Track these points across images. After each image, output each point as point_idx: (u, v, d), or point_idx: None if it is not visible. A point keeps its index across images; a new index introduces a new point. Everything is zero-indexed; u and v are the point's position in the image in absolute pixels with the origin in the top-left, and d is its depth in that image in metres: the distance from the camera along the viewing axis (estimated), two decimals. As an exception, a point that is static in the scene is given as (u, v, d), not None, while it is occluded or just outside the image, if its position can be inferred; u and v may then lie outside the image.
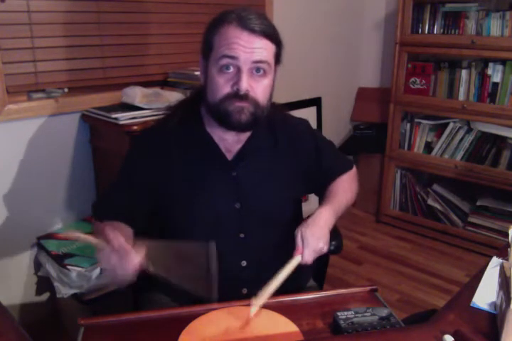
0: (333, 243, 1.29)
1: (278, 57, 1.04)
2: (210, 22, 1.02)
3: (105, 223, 1.08)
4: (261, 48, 0.97)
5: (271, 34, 0.98)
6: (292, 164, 1.14)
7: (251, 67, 0.97)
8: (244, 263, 1.10)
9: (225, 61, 0.96)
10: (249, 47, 0.95)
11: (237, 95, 0.96)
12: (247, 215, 1.09)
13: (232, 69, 0.97)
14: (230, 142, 1.09)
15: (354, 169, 1.29)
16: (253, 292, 1.08)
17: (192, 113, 1.10)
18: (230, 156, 1.09)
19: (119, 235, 0.89)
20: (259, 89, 0.99)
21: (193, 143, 1.08)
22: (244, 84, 0.96)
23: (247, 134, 1.09)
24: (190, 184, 1.07)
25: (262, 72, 0.98)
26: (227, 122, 1.00)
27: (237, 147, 1.09)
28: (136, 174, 1.10)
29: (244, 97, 0.97)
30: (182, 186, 1.08)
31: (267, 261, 1.10)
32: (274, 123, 1.14)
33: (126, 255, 0.86)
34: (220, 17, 1.00)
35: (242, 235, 1.09)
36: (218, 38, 0.98)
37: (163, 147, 1.09)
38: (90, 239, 0.91)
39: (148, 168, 1.09)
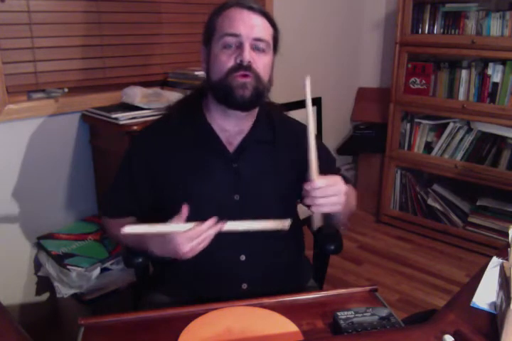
0: (333, 243, 1.30)
1: (275, 44, 1.08)
2: (212, 11, 1.08)
3: (123, 222, 1.12)
4: (260, 25, 1.02)
5: (268, 14, 1.05)
6: (289, 161, 1.15)
7: (252, 43, 1.01)
8: (243, 257, 1.10)
9: (227, 39, 1.01)
10: (249, 24, 1.01)
11: (240, 66, 1.00)
12: (246, 207, 1.10)
13: (234, 46, 1.01)
14: (231, 133, 1.10)
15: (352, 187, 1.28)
16: (253, 287, 1.08)
17: (193, 108, 1.12)
18: (231, 148, 1.11)
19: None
20: (260, 63, 1.03)
21: (194, 135, 1.10)
22: (247, 55, 1.00)
23: (247, 126, 1.11)
24: (191, 175, 1.09)
25: (261, 49, 1.03)
26: (231, 98, 1.02)
27: (238, 139, 1.11)
28: (138, 171, 1.12)
29: (248, 68, 1.00)
30: (183, 178, 1.09)
31: (267, 256, 1.11)
32: (274, 121, 1.16)
33: (207, 223, 0.93)
34: (220, 5, 1.06)
35: None
36: (220, 20, 1.04)
37: (164, 142, 1.11)
38: (161, 226, 0.93)
39: (148, 164, 1.10)
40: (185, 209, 0.93)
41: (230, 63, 1.01)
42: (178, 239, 0.92)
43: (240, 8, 1.02)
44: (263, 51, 1.03)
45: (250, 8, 1.02)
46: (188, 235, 0.92)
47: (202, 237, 0.93)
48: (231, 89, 1.00)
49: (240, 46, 1.00)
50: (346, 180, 1.29)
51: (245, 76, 1.00)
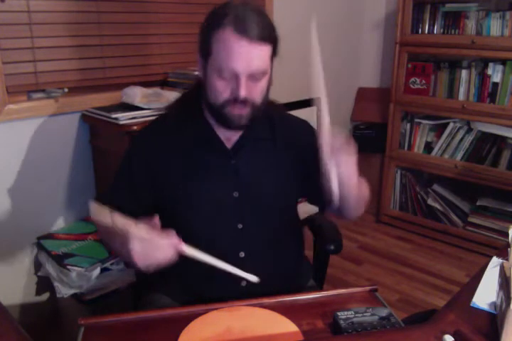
0: (333, 243, 1.30)
1: (274, 53, 1.04)
2: (208, 19, 1.01)
3: None
4: (258, 56, 0.97)
5: (268, 36, 0.98)
6: (290, 160, 1.15)
7: (249, 74, 0.98)
8: (242, 254, 1.10)
9: (223, 71, 0.98)
10: (248, 57, 0.96)
11: (236, 100, 0.99)
12: (245, 204, 1.10)
13: (230, 76, 0.98)
14: (229, 131, 1.10)
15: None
16: (252, 284, 1.08)
17: (192, 104, 1.12)
18: (229, 145, 1.11)
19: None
20: (257, 91, 1.01)
21: (192, 132, 1.10)
22: (243, 91, 0.98)
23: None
24: (189, 172, 1.09)
25: (259, 76, 1.00)
26: (227, 124, 1.05)
27: (237, 136, 1.11)
28: (138, 171, 1.12)
29: (243, 102, 0.99)
30: (181, 175, 1.09)
31: (266, 253, 1.11)
32: (273, 119, 1.16)
33: (166, 235, 0.88)
34: (216, 17, 0.98)
35: (240, 225, 1.10)
36: (216, 44, 0.98)
37: (164, 142, 1.11)
38: (124, 222, 0.88)
39: (148, 164, 1.10)
40: (156, 220, 0.90)
41: (226, 95, 0.99)
42: (132, 235, 0.87)
43: (238, 37, 0.94)
44: (261, 76, 1.00)
45: (249, 38, 0.94)
46: (140, 235, 0.87)
47: (153, 244, 0.88)
48: (227, 118, 1.02)
49: (236, 78, 0.97)
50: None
51: (241, 108, 1.00)
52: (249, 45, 0.95)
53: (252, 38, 0.95)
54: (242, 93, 0.98)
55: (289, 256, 1.19)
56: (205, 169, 1.09)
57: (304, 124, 1.24)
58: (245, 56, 0.96)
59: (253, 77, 0.99)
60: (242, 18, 0.95)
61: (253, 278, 0.94)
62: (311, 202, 1.23)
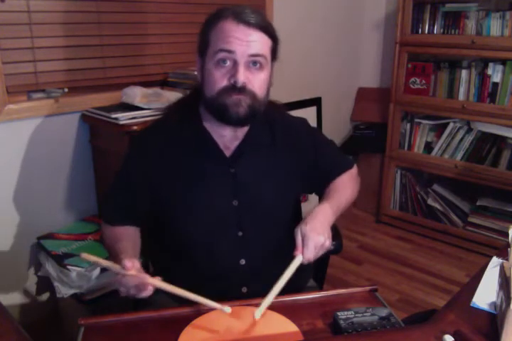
0: (333, 243, 1.29)
1: (274, 53, 1.04)
2: (206, 19, 1.03)
3: (114, 232, 1.12)
4: (257, 41, 0.98)
5: (266, 27, 1.00)
6: (291, 163, 1.15)
7: (247, 61, 0.97)
8: (243, 261, 1.10)
9: (221, 55, 0.97)
10: (246, 40, 0.96)
11: (234, 88, 0.97)
12: (245, 212, 1.09)
13: (228, 63, 0.98)
14: (228, 139, 1.09)
15: (355, 168, 1.29)
16: (253, 291, 1.08)
17: (190, 110, 1.11)
18: (228, 153, 1.09)
19: (134, 260, 0.90)
20: (256, 82, 0.99)
21: (191, 140, 1.09)
22: (241, 76, 0.96)
23: (245, 130, 1.10)
24: (188, 181, 1.08)
25: (258, 65, 0.99)
26: (225, 116, 1.01)
27: (235, 143, 1.10)
28: (136, 174, 1.11)
29: (242, 90, 0.97)
30: (180, 183, 1.08)
31: (266, 260, 1.10)
32: (273, 122, 1.14)
33: (143, 284, 0.89)
34: (215, 13, 1.01)
35: (240, 233, 1.09)
36: (214, 32, 0.99)
37: (162, 146, 1.09)
38: (109, 264, 0.93)
39: (146, 168, 1.09)
40: (132, 264, 0.91)
41: (224, 82, 0.98)
42: (115, 280, 0.92)
43: (236, 23, 0.96)
44: (260, 66, 0.99)
45: (247, 24, 0.96)
46: (119, 280, 0.91)
47: (130, 288, 0.90)
48: (225, 106, 0.99)
49: (234, 64, 0.97)
50: (350, 163, 1.29)
51: (239, 94, 0.98)
52: (248, 28, 0.96)
53: (250, 24, 0.97)
54: (240, 78, 0.96)
55: (290, 259, 1.19)
56: (204, 177, 1.08)
57: (303, 123, 1.24)
58: (244, 38, 0.96)
59: (251, 67, 0.98)
60: (241, 11, 0.98)
61: (226, 310, 0.90)
62: (320, 195, 1.24)
